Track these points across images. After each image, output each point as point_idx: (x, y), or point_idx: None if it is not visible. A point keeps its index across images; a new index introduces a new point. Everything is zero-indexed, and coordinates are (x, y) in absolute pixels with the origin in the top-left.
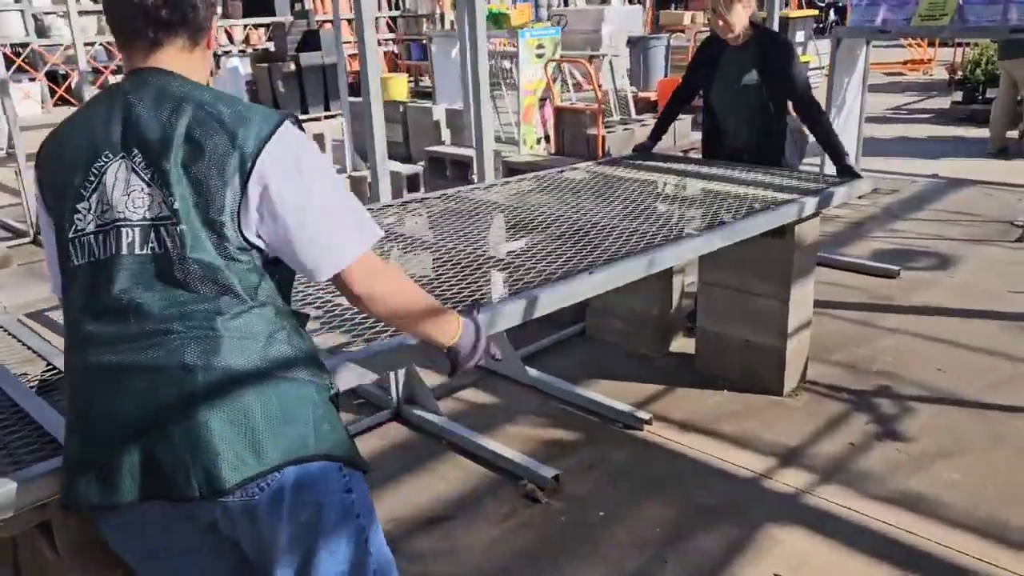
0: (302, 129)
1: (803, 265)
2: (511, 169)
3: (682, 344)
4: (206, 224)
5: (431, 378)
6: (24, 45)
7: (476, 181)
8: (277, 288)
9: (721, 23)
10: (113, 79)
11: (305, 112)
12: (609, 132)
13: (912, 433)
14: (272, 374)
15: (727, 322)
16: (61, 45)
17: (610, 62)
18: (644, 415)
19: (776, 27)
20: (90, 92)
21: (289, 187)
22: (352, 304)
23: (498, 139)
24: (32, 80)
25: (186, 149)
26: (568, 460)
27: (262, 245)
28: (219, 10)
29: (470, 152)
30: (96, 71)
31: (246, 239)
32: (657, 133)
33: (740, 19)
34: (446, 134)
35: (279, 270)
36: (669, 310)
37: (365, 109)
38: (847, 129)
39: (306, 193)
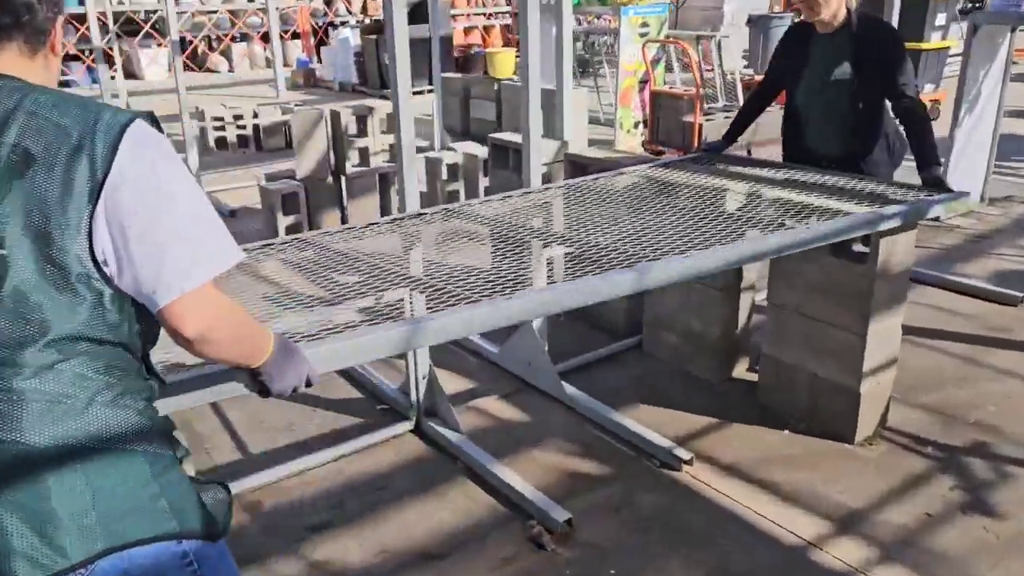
0: (159, 128)
1: (888, 295)
2: (572, 163)
3: (746, 371)
4: (38, 248)
5: (462, 384)
6: (153, 12)
7: (467, 191)
8: (129, 333)
9: (804, 3)
10: (235, 46)
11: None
12: (708, 120)
13: (1007, 507)
14: (87, 448)
15: (795, 352)
16: (188, 12)
17: (718, 43)
18: (684, 454)
19: (894, 8)
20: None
21: (142, 195)
22: (176, 342)
23: (597, 121)
24: (159, 46)
25: (15, 160)
26: (590, 498)
27: (110, 271)
28: (64, 10)
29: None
30: (218, 39)
31: (95, 263)
32: (732, 132)
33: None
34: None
35: (140, 310)
36: (734, 331)
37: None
38: (980, 127)
39: (164, 201)
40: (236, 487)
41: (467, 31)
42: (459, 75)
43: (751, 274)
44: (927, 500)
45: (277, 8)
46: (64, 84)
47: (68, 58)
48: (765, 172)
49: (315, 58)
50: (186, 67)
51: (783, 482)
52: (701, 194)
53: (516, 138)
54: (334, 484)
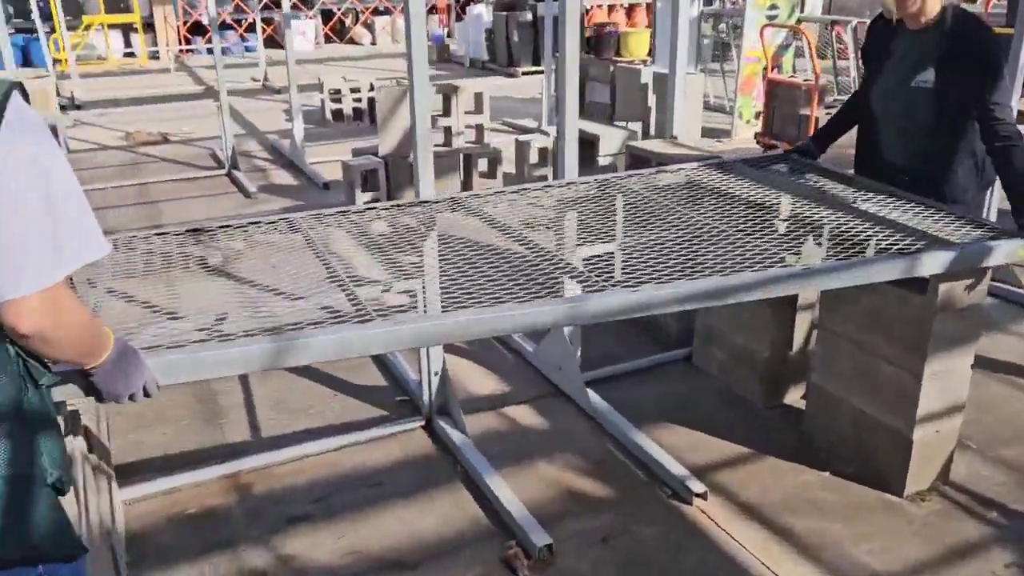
0: (27, 99)
1: (952, 332)
2: (633, 156)
3: (800, 399)
4: None
5: (490, 383)
6: None
7: (555, 175)
8: None
9: None
10: (378, 19)
11: (536, 63)
12: (829, 113)
13: None
14: None
15: (843, 384)
16: None
17: (854, 28)
18: (698, 486)
19: None
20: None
21: (12, 175)
22: (11, 336)
23: (719, 109)
24: (309, 18)
25: None
26: (582, 523)
27: None
28: None
29: (597, 130)
30: (359, 12)
31: None
32: (824, 135)
33: None
34: (652, 99)
35: None
36: (786, 352)
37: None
38: None
39: (39, 181)
40: (234, 467)
41: (610, 9)
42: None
43: (809, 291)
44: None
45: None
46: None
47: (222, 26)
48: (826, 185)
49: (449, 34)
50: (328, 39)
51: (806, 532)
52: (736, 204)
53: (587, 126)
54: (329, 474)
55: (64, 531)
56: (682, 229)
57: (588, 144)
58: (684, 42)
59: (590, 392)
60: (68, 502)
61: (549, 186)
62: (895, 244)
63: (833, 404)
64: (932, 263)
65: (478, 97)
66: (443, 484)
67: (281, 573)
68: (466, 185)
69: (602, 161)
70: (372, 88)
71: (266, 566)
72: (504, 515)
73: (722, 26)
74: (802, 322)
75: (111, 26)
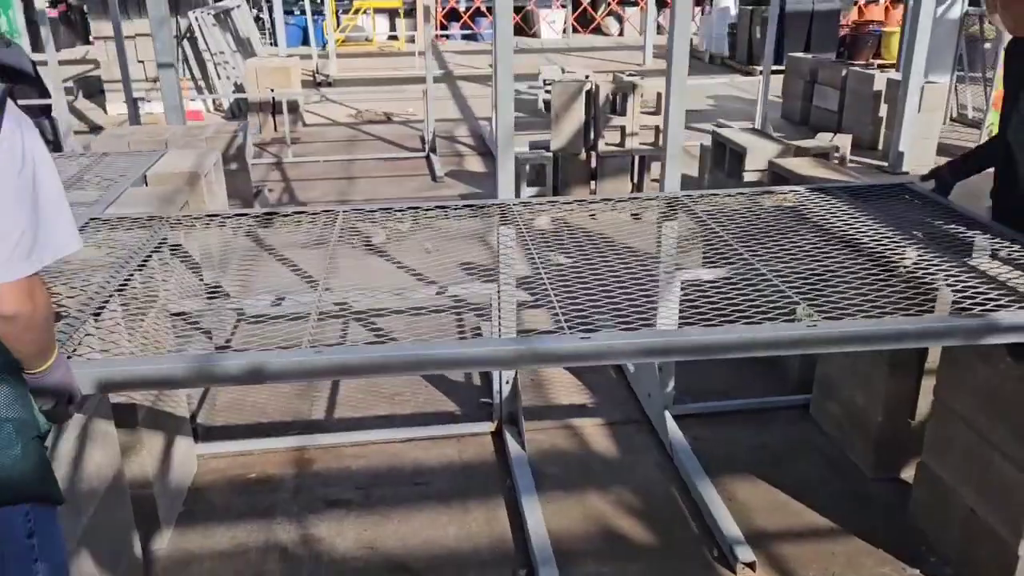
0: (15, 101)
1: None
2: (773, 173)
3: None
4: None
5: (580, 398)
6: None
7: (660, 187)
8: None
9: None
10: (629, 10)
11: (779, 62)
12: None
13: None
14: None
15: (956, 471)
16: None
17: None
18: (747, 555)
19: None
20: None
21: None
22: None
23: (977, 124)
24: (559, 7)
25: None
26: (605, 568)
27: None
28: None
29: (746, 141)
30: (608, 2)
31: None
32: (966, 164)
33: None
34: (884, 109)
35: None
36: (905, 419)
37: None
38: None
39: (27, 174)
40: (304, 441)
41: (866, 6)
42: (808, 56)
43: (938, 352)
44: None
45: None
46: (471, 37)
47: (476, 13)
48: (945, 224)
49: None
50: (575, 29)
51: None
52: (830, 240)
53: (731, 135)
54: (383, 464)
55: (49, 478)
56: (769, 262)
57: (739, 157)
58: (923, 45)
59: (671, 425)
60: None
61: (635, 198)
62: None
63: (942, 493)
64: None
65: (658, 96)
66: (484, 496)
67: (299, 553)
68: (637, 188)
69: (749, 176)
70: (587, 79)
71: (289, 543)
72: (528, 541)
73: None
74: (929, 388)
75: (378, 10)
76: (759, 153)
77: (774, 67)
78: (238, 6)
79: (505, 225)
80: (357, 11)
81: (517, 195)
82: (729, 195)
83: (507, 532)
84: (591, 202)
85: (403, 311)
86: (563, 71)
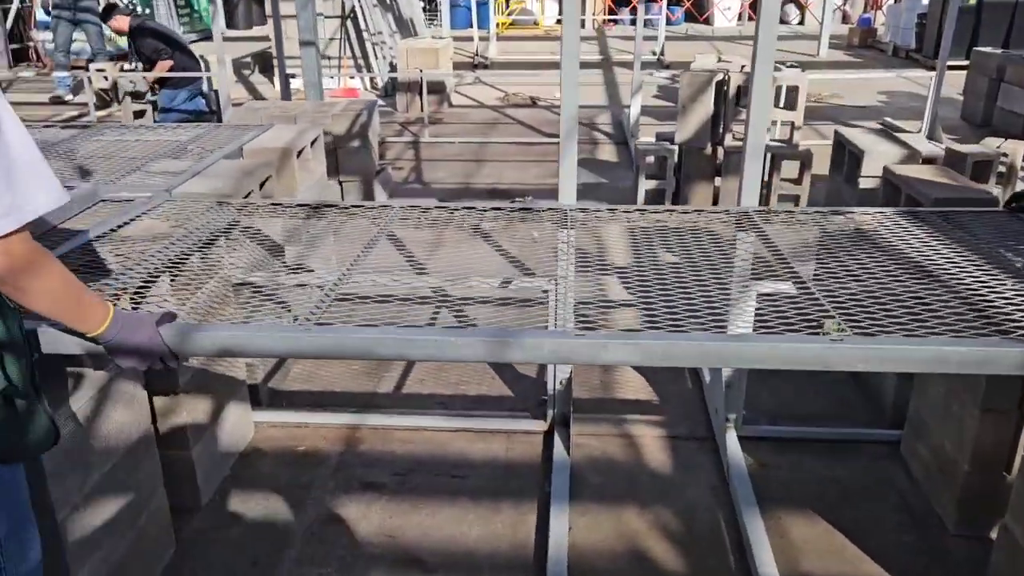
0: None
1: None
2: (887, 182)
3: None
4: None
5: (646, 403)
6: None
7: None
8: None
9: None
10: None
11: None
12: None
13: None
14: None
15: None
16: None
17: None
18: None
19: None
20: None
21: None
22: None
23: None
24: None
25: None
26: None
27: None
28: None
29: (865, 143)
30: None
31: None
32: None
33: None
34: None
35: None
36: (998, 471)
37: None
38: None
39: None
40: (359, 419)
41: None
42: (997, 51)
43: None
44: None
45: None
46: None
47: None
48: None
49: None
50: (750, 16)
51: None
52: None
53: (863, 139)
54: (428, 451)
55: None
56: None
57: (856, 160)
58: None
59: (731, 446)
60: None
61: (700, 210)
62: None
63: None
64: None
65: (791, 91)
66: (518, 498)
67: (322, 533)
68: (765, 187)
69: (865, 183)
70: (741, 70)
71: (314, 521)
72: (547, 555)
73: None
74: None
75: None
76: (878, 157)
77: (961, 62)
78: None
79: (564, 230)
80: None
81: (635, 188)
82: (805, 212)
83: (531, 538)
84: (653, 212)
85: (470, 300)
86: (719, 59)
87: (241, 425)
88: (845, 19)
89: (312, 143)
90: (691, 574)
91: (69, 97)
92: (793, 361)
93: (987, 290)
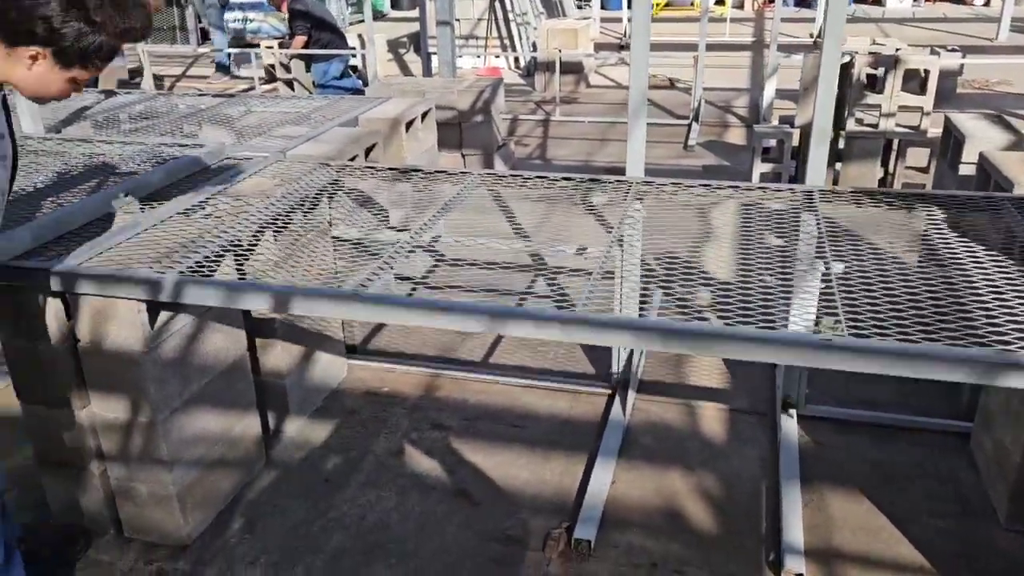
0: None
1: None
2: (981, 169)
3: None
4: None
5: (711, 379)
6: None
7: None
8: None
9: None
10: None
11: None
12: None
13: None
14: None
15: None
16: None
17: None
18: (798, 566)
19: None
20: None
21: None
22: None
23: None
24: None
25: None
26: (648, 543)
27: None
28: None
29: (968, 127)
30: None
31: None
32: None
33: None
34: None
35: None
36: None
37: None
38: None
39: None
40: (442, 370)
41: None
42: None
43: None
44: None
45: None
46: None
47: None
48: None
49: None
50: None
51: None
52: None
53: (967, 122)
54: (497, 402)
55: None
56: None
57: (958, 146)
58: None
59: (786, 422)
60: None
61: (763, 187)
62: None
63: None
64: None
65: (924, 75)
66: (571, 450)
67: (388, 462)
68: (889, 174)
69: (965, 169)
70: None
71: (383, 451)
72: (583, 497)
73: None
74: None
75: None
76: (979, 143)
77: None
78: None
79: (635, 201)
80: None
81: (751, 170)
82: (872, 195)
83: (574, 487)
84: (718, 187)
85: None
86: (873, 41)
87: (334, 366)
88: None
89: (424, 116)
90: (720, 534)
91: (233, 69)
92: (781, 356)
93: (993, 296)
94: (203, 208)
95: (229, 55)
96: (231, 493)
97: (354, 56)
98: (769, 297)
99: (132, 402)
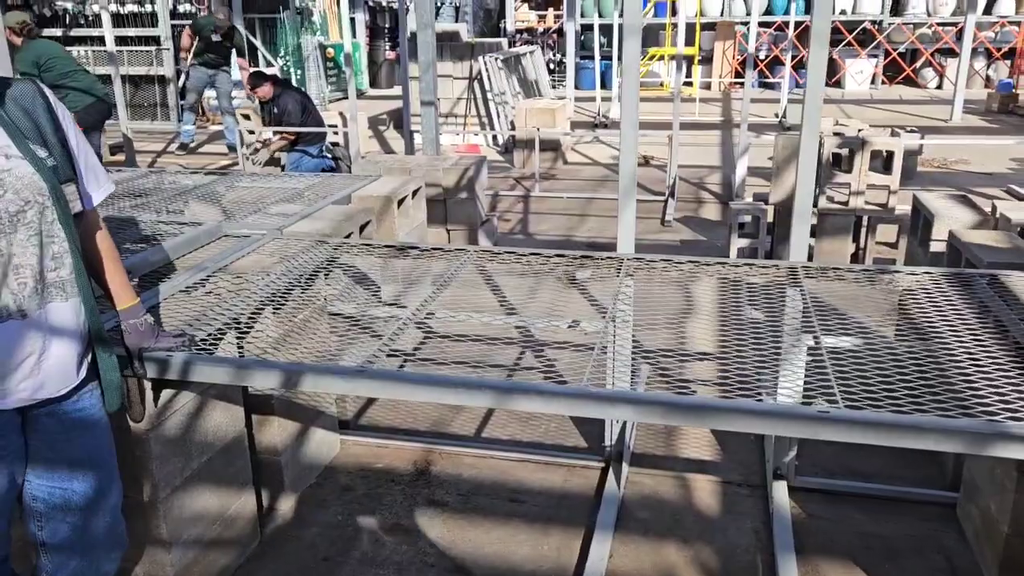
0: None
1: None
2: (950, 246)
3: None
4: None
5: (700, 452)
6: (859, 23)
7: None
8: None
9: None
10: (951, 61)
11: None
12: None
13: None
14: None
15: None
16: (912, 24)
17: None
18: None
19: None
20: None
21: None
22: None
23: None
24: (872, 56)
25: None
26: None
27: None
28: None
29: (935, 207)
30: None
31: None
32: None
33: None
34: None
35: None
36: None
37: None
38: None
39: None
40: (435, 445)
41: None
42: None
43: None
44: None
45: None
46: (767, 86)
47: (774, 62)
48: None
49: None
50: (893, 79)
51: None
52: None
53: (934, 201)
54: (491, 476)
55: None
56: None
57: (927, 224)
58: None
59: (779, 494)
60: None
61: (750, 263)
62: None
63: None
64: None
65: (888, 156)
66: (567, 525)
67: (385, 539)
68: (860, 250)
69: (935, 247)
70: (859, 133)
71: (380, 528)
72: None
73: None
74: None
75: (672, 57)
76: (947, 221)
77: None
78: (531, 52)
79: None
80: (652, 57)
81: (728, 245)
82: (851, 270)
83: (573, 562)
84: (706, 263)
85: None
86: (836, 122)
87: (328, 441)
88: (988, 83)
89: (414, 193)
90: None
91: (192, 144)
92: (781, 428)
93: (974, 368)
94: (203, 286)
95: (241, 135)
96: (226, 574)
97: (336, 133)
98: (761, 368)
99: (134, 480)
